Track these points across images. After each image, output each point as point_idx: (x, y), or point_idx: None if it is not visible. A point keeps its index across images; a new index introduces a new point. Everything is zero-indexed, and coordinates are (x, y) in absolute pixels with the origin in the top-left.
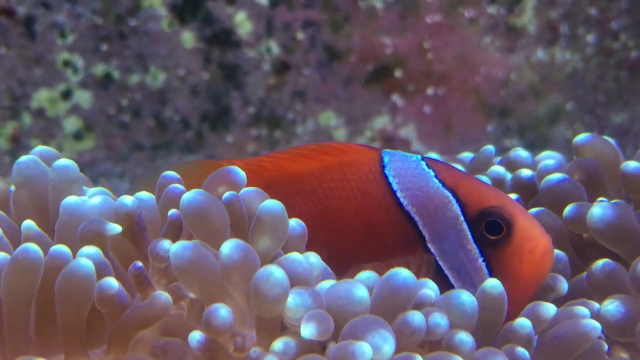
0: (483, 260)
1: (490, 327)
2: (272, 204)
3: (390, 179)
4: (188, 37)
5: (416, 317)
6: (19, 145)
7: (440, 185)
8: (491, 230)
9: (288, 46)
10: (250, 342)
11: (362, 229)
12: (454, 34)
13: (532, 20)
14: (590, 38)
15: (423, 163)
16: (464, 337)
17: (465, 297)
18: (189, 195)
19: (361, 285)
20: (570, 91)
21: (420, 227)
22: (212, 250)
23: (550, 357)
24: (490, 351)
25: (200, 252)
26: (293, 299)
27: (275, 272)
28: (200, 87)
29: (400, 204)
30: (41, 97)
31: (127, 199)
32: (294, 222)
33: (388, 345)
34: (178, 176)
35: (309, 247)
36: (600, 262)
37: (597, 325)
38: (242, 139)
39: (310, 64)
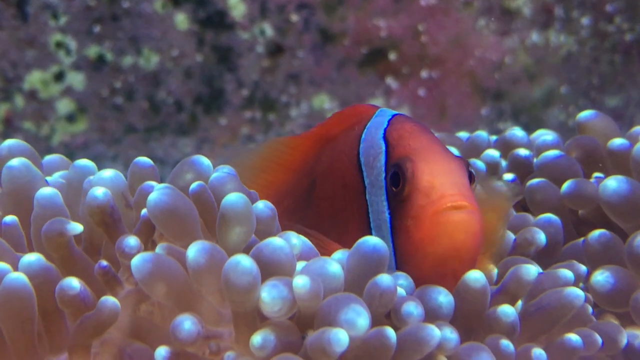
0: (389, 214)
1: (471, 319)
2: (234, 198)
3: (365, 132)
4: (182, 19)
5: (384, 278)
6: (11, 127)
7: (382, 136)
8: (394, 182)
9: (282, 28)
10: (228, 340)
11: (343, 180)
12: (448, 17)
13: (526, 2)
14: (585, 21)
15: (389, 117)
16: (448, 334)
17: (442, 299)
18: (155, 196)
19: (334, 262)
20: (564, 74)
21: (364, 177)
22: (181, 250)
23: (535, 328)
24: (475, 347)
25: (161, 262)
26: (268, 293)
27: (242, 260)
28: (194, 69)
29: (359, 155)
30: (34, 79)
31: (99, 191)
32: (262, 205)
33: (362, 319)
34: (150, 163)
35: (322, 198)
36: (596, 232)
37: (580, 293)
38: (235, 121)
39: (305, 46)
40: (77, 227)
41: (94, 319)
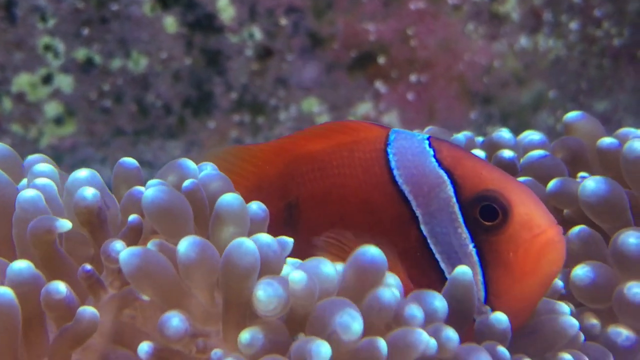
0: (474, 247)
1: (460, 318)
2: (230, 198)
3: (391, 156)
4: (170, 22)
5: (386, 293)
6: None
7: (437, 164)
8: (486, 215)
9: (271, 32)
10: (216, 339)
11: (361, 207)
12: (437, 21)
13: (515, 7)
14: (574, 25)
15: (426, 142)
16: (450, 334)
17: (438, 303)
18: (151, 193)
19: (328, 262)
20: (553, 79)
21: (414, 207)
22: (174, 247)
23: (526, 350)
24: (473, 348)
25: (150, 257)
26: (264, 291)
27: (246, 241)
28: (183, 72)
29: (396, 182)
30: (22, 81)
31: (88, 192)
32: (255, 206)
33: (357, 323)
34: (135, 164)
35: (315, 225)
36: (576, 228)
37: (575, 322)
38: (224, 125)
39: (294, 50)
40: (66, 224)
41: (73, 331)
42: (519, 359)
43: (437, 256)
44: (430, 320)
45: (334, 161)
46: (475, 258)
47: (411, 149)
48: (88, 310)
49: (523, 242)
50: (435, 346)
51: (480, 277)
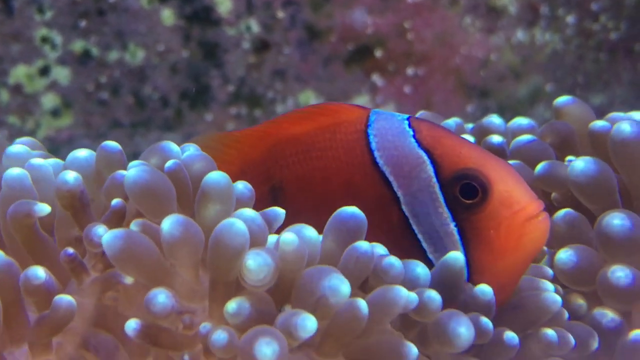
0: (455, 225)
1: (446, 302)
2: (216, 176)
3: (371, 137)
4: (168, 15)
5: (362, 244)
6: None
7: (417, 144)
8: (466, 193)
9: (268, 25)
10: (202, 316)
11: (344, 189)
12: (434, 14)
13: (512, 1)
14: (570, 19)
15: (406, 122)
16: (433, 295)
17: (420, 270)
18: (133, 173)
19: (310, 227)
20: (550, 72)
21: (395, 188)
22: (158, 227)
23: (509, 325)
24: (455, 312)
25: (132, 238)
26: (254, 260)
27: (237, 222)
28: (180, 65)
29: (376, 164)
30: (19, 73)
31: (69, 175)
32: (242, 186)
33: (345, 286)
34: (118, 148)
35: (299, 208)
36: (562, 212)
37: (557, 299)
38: (221, 117)
39: (291, 42)
40: (44, 208)
41: (49, 319)
42: (502, 332)
43: (419, 236)
44: (412, 287)
45: (317, 144)
46: (457, 237)
47: (391, 129)
48: (65, 299)
49: (504, 219)
50: (416, 300)
51: (463, 256)
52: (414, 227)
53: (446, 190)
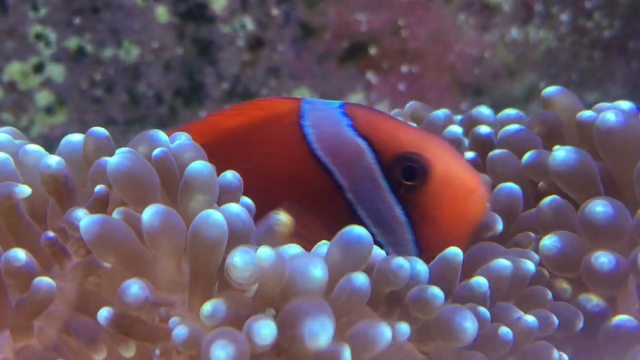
0: (402, 208)
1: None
2: (199, 166)
3: (306, 129)
4: (162, 12)
5: (359, 277)
6: None
7: (354, 133)
8: (407, 175)
9: (262, 22)
10: (181, 309)
11: (288, 182)
12: (428, 12)
13: None
14: (565, 17)
15: (340, 111)
16: (436, 292)
17: (420, 267)
18: (115, 159)
19: (318, 265)
20: (544, 70)
21: (338, 178)
22: (139, 215)
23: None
24: (457, 307)
25: (110, 225)
26: (241, 257)
27: (214, 213)
28: (174, 62)
29: (316, 156)
30: (13, 70)
31: (52, 160)
32: (230, 175)
33: (325, 334)
34: (106, 134)
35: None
36: (548, 199)
37: (508, 264)
38: None
39: (285, 40)
40: (25, 190)
41: (29, 302)
42: (497, 327)
43: (366, 221)
44: (413, 284)
45: (254, 139)
46: (403, 218)
47: (326, 119)
48: (44, 281)
49: (446, 196)
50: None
51: (410, 236)
52: (360, 212)
53: (388, 175)
